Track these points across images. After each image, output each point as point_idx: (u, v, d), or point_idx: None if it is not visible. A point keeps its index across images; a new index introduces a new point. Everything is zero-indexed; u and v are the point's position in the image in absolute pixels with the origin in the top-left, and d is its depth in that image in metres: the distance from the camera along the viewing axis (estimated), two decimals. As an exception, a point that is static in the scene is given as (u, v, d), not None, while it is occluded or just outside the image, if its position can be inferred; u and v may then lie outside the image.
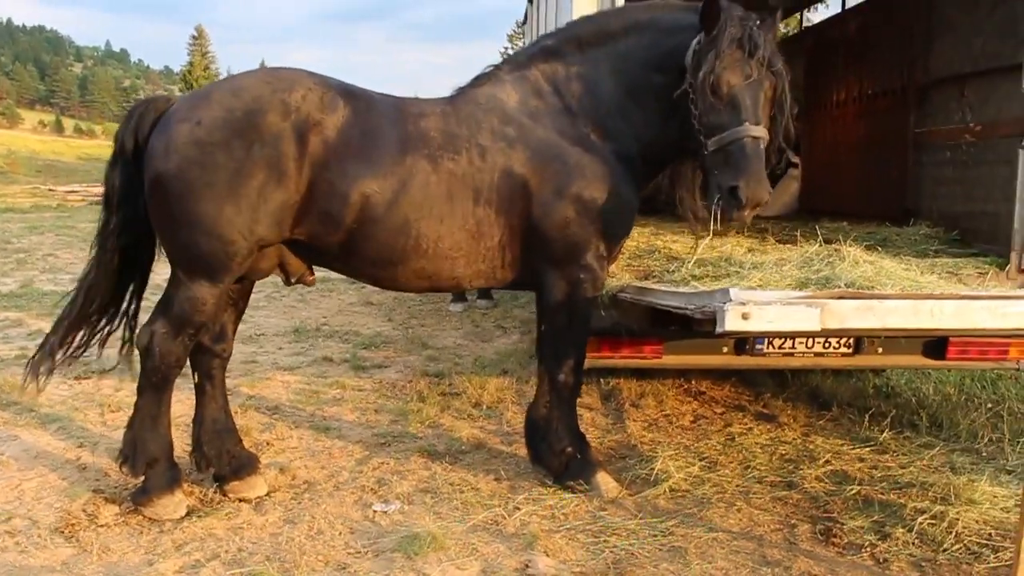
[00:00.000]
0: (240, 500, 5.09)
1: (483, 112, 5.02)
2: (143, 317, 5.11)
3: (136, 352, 5.01)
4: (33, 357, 5.11)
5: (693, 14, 4.79)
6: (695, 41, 4.71)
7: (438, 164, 4.81)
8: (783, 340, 5.56)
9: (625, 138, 5.07)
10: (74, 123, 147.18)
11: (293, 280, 5.21)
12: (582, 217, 4.93)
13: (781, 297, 4.15)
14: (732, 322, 3.99)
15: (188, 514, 4.91)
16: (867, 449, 5.99)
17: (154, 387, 4.92)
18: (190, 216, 4.55)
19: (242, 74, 5.00)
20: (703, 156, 4.69)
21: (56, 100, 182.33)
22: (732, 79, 4.54)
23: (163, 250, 4.92)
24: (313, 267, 5.26)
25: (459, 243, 4.91)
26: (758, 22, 4.62)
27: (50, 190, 43.62)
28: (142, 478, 4.94)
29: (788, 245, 6.40)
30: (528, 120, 5.00)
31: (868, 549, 4.56)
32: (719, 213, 4.56)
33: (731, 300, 4.04)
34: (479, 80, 5.30)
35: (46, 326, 9.90)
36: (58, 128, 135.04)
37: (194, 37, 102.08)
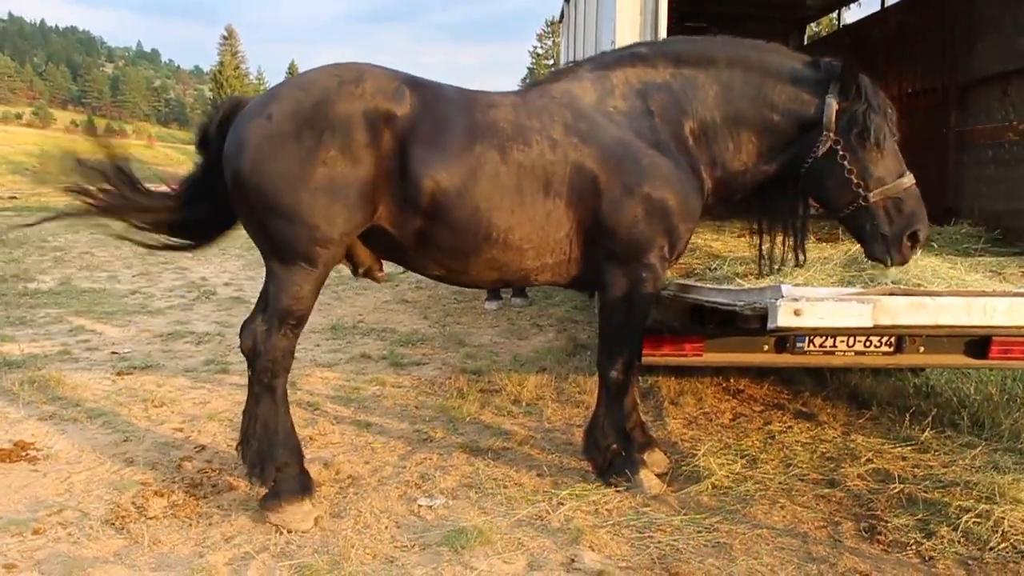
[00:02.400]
0: (286, 494, 5.12)
1: (557, 106, 5.06)
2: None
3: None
4: None
5: (804, 66, 5.13)
6: (832, 100, 4.95)
7: (507, 155, 4.86)
8: (824, 338, 5.54)
9: (700, 157, 5.13)
10: (106, 123, 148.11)
11: (361, 272, 5.26)
12: (650, 216, 4.95)
13: (833, 294, 4.16)
14: (784, 318, 4.00)
15: (236, 507, 4.98)
16: (908, 448, 5.97)
17: (268, 388, 4.92)
18: (272, 207, 4.67)
19: (310, 70, 5.10)
20: (856, 207, 4.94)
21: (88, 100, 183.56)
22: (889, 136, 4.93)
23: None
24: (382, 262, 5.32)
25: (529, 234, 4.95)
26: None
27: (83, 189, 44.08)
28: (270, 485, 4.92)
29: (829, 244, 6.38)
30: (603, 118, 5.03)
31: (913, 547, 4.55)
32: (891, 257, 4.86)
33: (783, 296, 4.05)
34: (556, 75, 5.40)
35: (86, 322, 10.18)
36: (90, 128, 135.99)
37: (224, 37, 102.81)
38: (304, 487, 4.96)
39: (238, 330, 5.29)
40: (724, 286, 5.00)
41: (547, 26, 78.22)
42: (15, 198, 38.37)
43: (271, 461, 4.90)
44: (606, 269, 5.11)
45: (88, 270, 15.07)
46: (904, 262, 4.90)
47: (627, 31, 6.00)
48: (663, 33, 5.99)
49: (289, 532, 4.69)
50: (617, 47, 5.84)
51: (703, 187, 5.16)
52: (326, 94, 4.69)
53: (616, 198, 4.94)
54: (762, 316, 4.22)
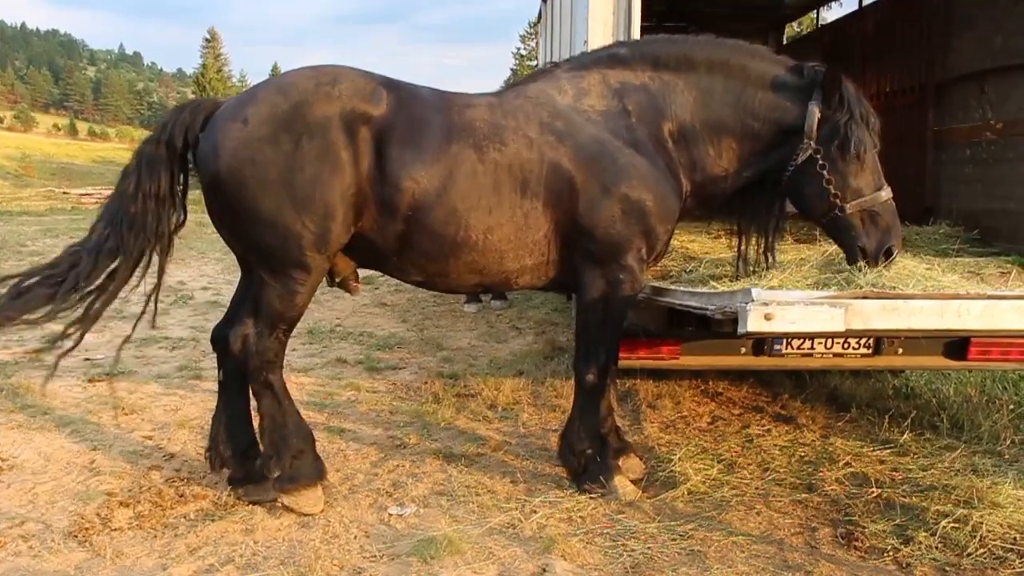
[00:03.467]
0: (254, 503, 5.04)
1: (533, 105, 5.01)
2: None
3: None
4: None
5: (786, 71, 5.06)
6: (812, 107, 4.89)
7: (484, 154, 4.80)
8: (802, 341, 5.48)
9: (679, 161, 5.09)
10: (88, 126, 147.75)
11: (337, 281, 5.21)
12: (628, 217, 4.89)
13: (804, 297, 4.08)
14: (754, 323, 3.92)
15: (203, 518, 4.87)
16: (887, 451, 5.91)
17: (265, 385, 4.94)
18: (251, 214, 4.59)
19: (287, 72, 5.03)
20: (832, 217, 4.92)
21: (70, 103, 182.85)
22: (869, 147, 4.88)
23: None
24: (358, 272, 5.28)
25: (508, 235, 4.89)
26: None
27: (64, 193, 43.96)
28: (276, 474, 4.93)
29: (806, 244, 6.32)
30: (579, 117, 4.98)
31: (891, 553, 4.48)
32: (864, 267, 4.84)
33: (753, 300, 3.97)
34: (533, 76, 5.35)
35: (58, 328, 9.98)
36: (72, 131, 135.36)
37: (207, 40, 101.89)
38: (319, 472, 5.09)
39: (211, 334, 5.25)
40: (696, 289, 4.92)
41: (530, 27, 77.93)
42: (-5, 202, 38.11)
43: (287, 450, 4.94)
44: (583, 270, 5.03)
45: (65, 275, 14.88)
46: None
47: (600, 31, 5.92)
48: (636, 33, 5.92)
49: (303, 514, 4.91)
50: (590, 47, 5.78)
51: (681, 188, 5.09)
52: (303, 96, 4.62)
53: (593, 198, 4.87)
54: (734, 320, 4.15)
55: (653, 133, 5.01)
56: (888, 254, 4.83)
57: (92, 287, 4.76)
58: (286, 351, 8.79)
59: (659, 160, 4.97)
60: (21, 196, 43.44)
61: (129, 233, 4.73)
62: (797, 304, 3.97)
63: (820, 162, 4.87)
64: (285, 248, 4.63)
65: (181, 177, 4.88)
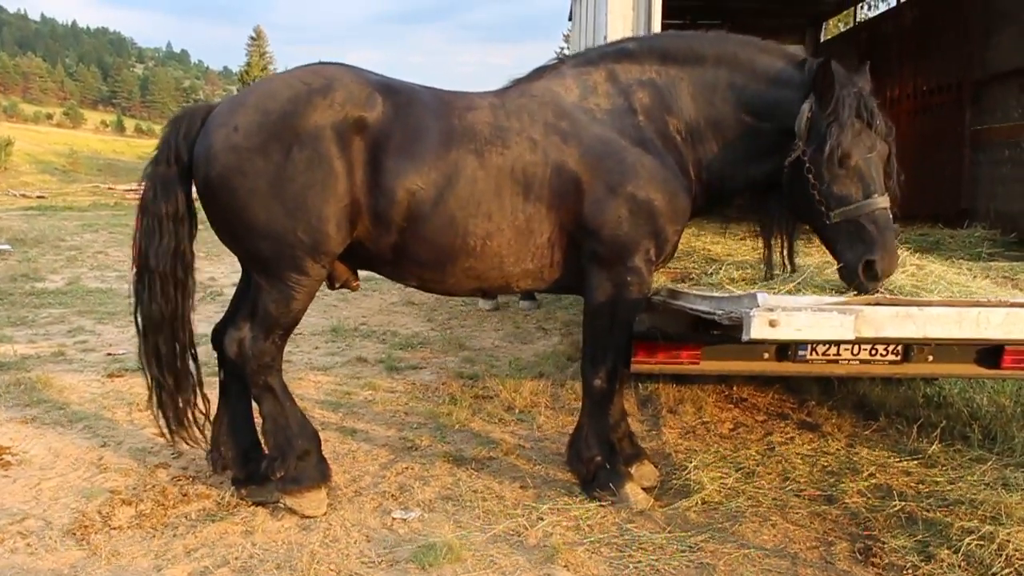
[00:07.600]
0: (257, 504, 4.95)
1: (537, 105, 4.87)
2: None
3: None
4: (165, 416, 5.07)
5: (792, 67, 4.79)
6: (807, 106, 4.57)
7: (485, 159, 4.67)
8: (827, 347, 5.26)
9: (688, 159, 4.92)
10: (135, 123, 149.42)
11: (338, 285, 5.16)
12: (635, 217, 4.74)
13: (812, 303, 3.88)
14: (758, 329, 3.74)
15: (204, 518, 4.79)
16: (914, 462, 5.69)
17: (265, 388, 4.86)
18: (244, 222, 4.53)
19: (279, 74, 4.92)
20: (821, 224, 4.61)
21: (118, 100, 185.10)
22: (857, 152, 4.49)
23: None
24: (357, 272, 5.22)
25: (508, 241, 4.76)
26: (865, 86, 4.60)
27: (109, 188, 44.60)
28: (280, 474, 4.85)
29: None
30: (585, 116, 4.83)
31: (910, 571, 4.27)
32: (848, 282, 4.51)
33: (758, 306, 3.79)
34: (538, 73, 5.17)
35: (86, 323, 10.06)
36: (119, 128, 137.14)
37: (252, 38, 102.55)
38: (323, 475, 4.99)
39: (211, 334, 5.20)
40: (708, 293, 4.74)
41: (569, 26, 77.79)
42: (43, 197, 38.71)
43: (291, 452, 4.85)
44: (589, 272, 4.89)
45: (99, 270, 15.01)
46: (867, 290, 4.44)
47: (619, 26, 5.79)
48: (656, 28, 5.76)
49: (306, 516, 4.82)
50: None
51: (691, 187, 4.92)
52: (294, 104, 4.50)
53: (599, 198, 4.72)
54: (741, 326, 3.96)
55: (661, 130, 4.84)
56: (869, 268, 4.39)
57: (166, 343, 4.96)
58: (309, 348, 8.85)
59: (668, 158, 4.81)
60: (67, 191, 44.14)
61: (159, 258, 4.72)
62: (804, 310, 3.77)
63: (807, 165, 4.54)
64: (279, 256, 4.55)
65: (193, 189, 4.79)
